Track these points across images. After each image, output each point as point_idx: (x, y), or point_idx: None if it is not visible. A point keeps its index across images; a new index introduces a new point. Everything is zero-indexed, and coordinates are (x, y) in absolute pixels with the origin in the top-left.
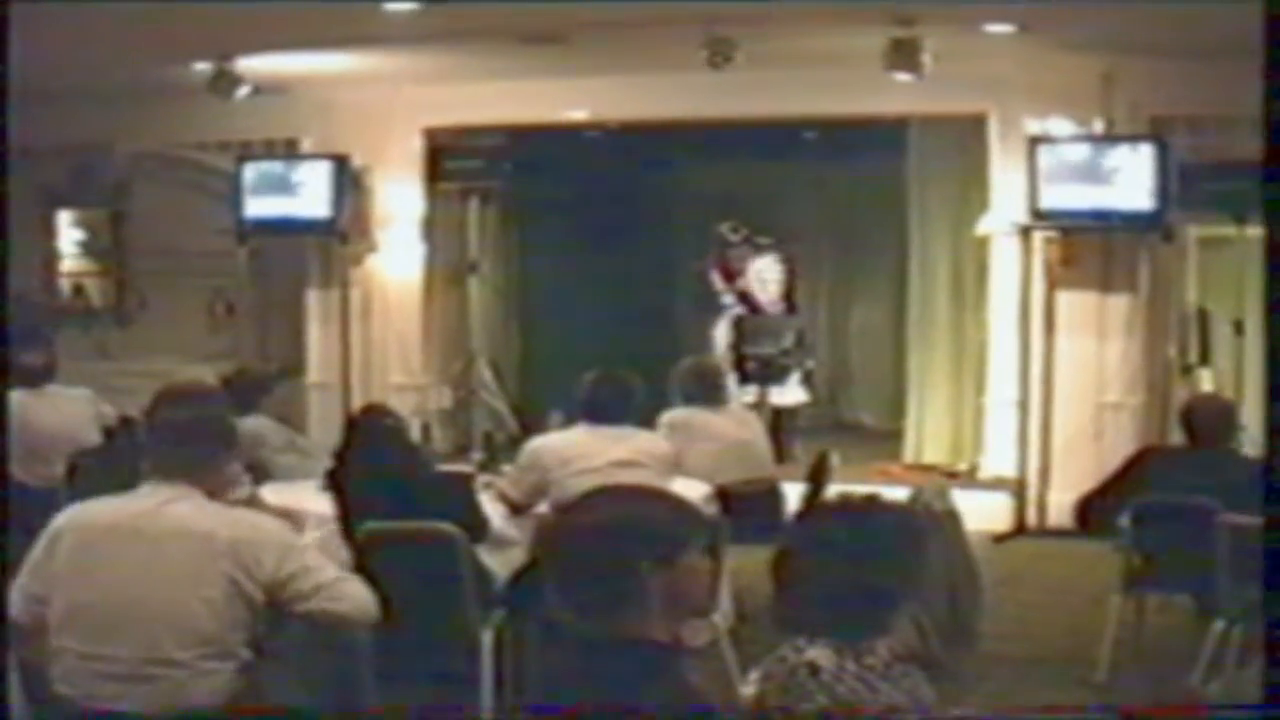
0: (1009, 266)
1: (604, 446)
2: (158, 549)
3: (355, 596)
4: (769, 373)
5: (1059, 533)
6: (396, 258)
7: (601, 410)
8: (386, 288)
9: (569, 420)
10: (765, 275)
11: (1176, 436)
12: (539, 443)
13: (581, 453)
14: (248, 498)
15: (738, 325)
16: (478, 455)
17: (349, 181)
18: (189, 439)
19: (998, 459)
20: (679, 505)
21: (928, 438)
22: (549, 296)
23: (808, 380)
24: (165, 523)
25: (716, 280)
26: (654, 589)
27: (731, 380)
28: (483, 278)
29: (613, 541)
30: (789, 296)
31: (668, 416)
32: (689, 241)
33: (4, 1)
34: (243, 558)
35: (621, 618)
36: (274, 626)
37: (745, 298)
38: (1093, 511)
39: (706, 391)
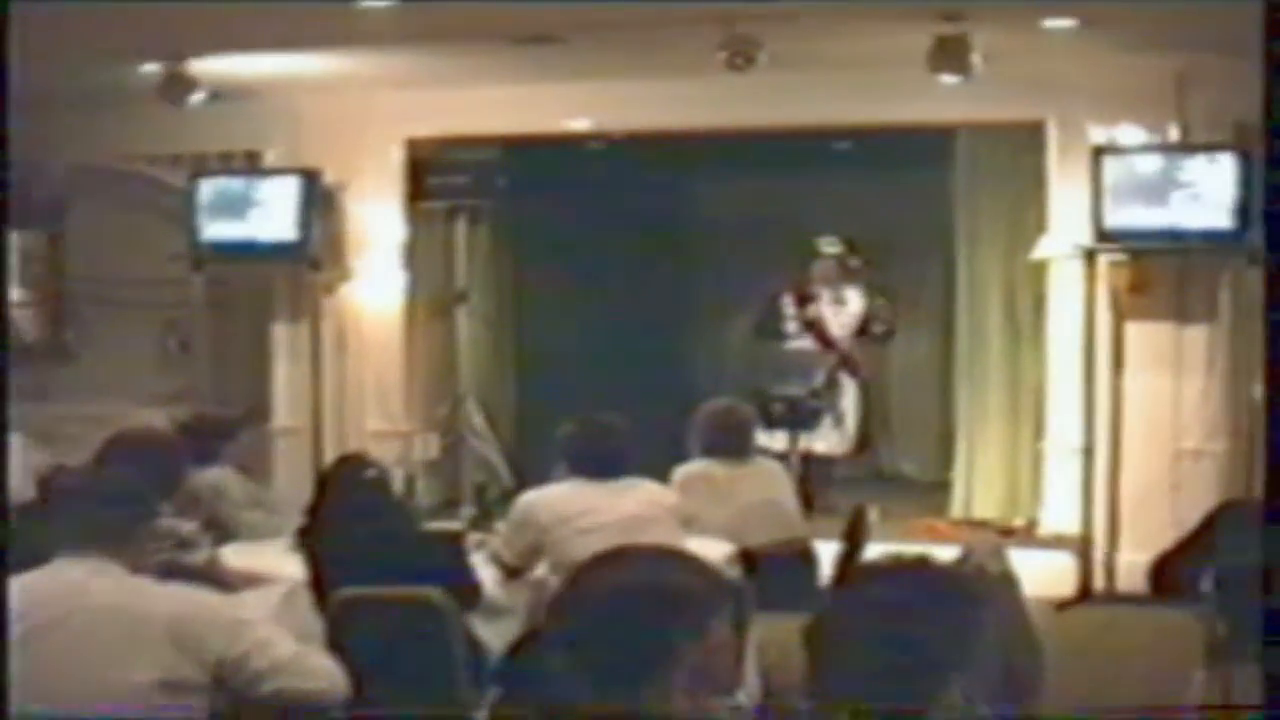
0: (1070, 294)
1: (608, 501)
2: (85, 635)
3: (322, 672)
4: (798, 416)
5: (1131, 599)
6: (374, 286)
7: (594, 462)
8: (363, 320)
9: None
10: (848, 303)
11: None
12: (533, 497)
13: (583, 508)
14: (206, 561)
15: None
16: (468, 511)
17: (319, 200)
18: (100, 503)
19: (1059, 514)
20: (706, 568)
21: (979, 489)
22: (548, 330)
23: (841, 425)
24: (90, 602)
25: (788, 304)
26: (683, 662)
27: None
28: (472, 309)
29: (642, 606)
30: (864, 333)
31: (684, 471)
32: (704, 265)
33: (4, 1)
34: (184, 639)
35: (646, 695)
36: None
37: (813, 327)
38: (1170, 574)
39: (730, 442)
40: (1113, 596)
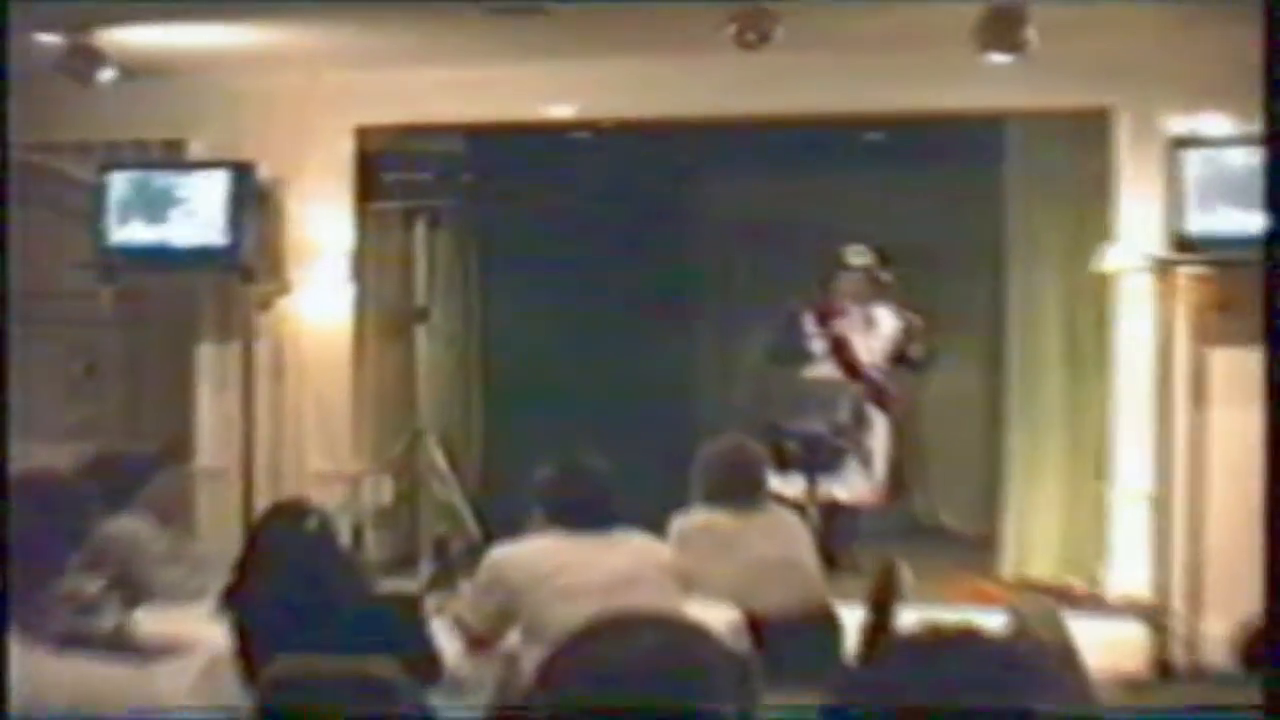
0: (1142, 314)
1: (592, 557)
2: None
3: None
4: (818, 457)
5: (1218, 677)
6: (318, 301)
7: (576, 512)
8: (304, 341)
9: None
10: (878, 324)
11: None
12: (504, 553)
13: (562, 566)
14: (114, 628)
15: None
16: (427, 568)
17: (253, 199)
18: None
19: (1128, 574)
20: (710, 638)
21: (1033, 544)
22: (523, 354)
23: (869, 467)
24: None
25: (808, 324)
26: None
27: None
28: (433, 328)
29: (634, 687)
30: (898, 359)
31: (682, 522)
32: (709, 278)
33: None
34: None
35: None
36: None
37: (838, 352)
38: (1265, 646)
39: (737, 488)
40: (1196, 673)
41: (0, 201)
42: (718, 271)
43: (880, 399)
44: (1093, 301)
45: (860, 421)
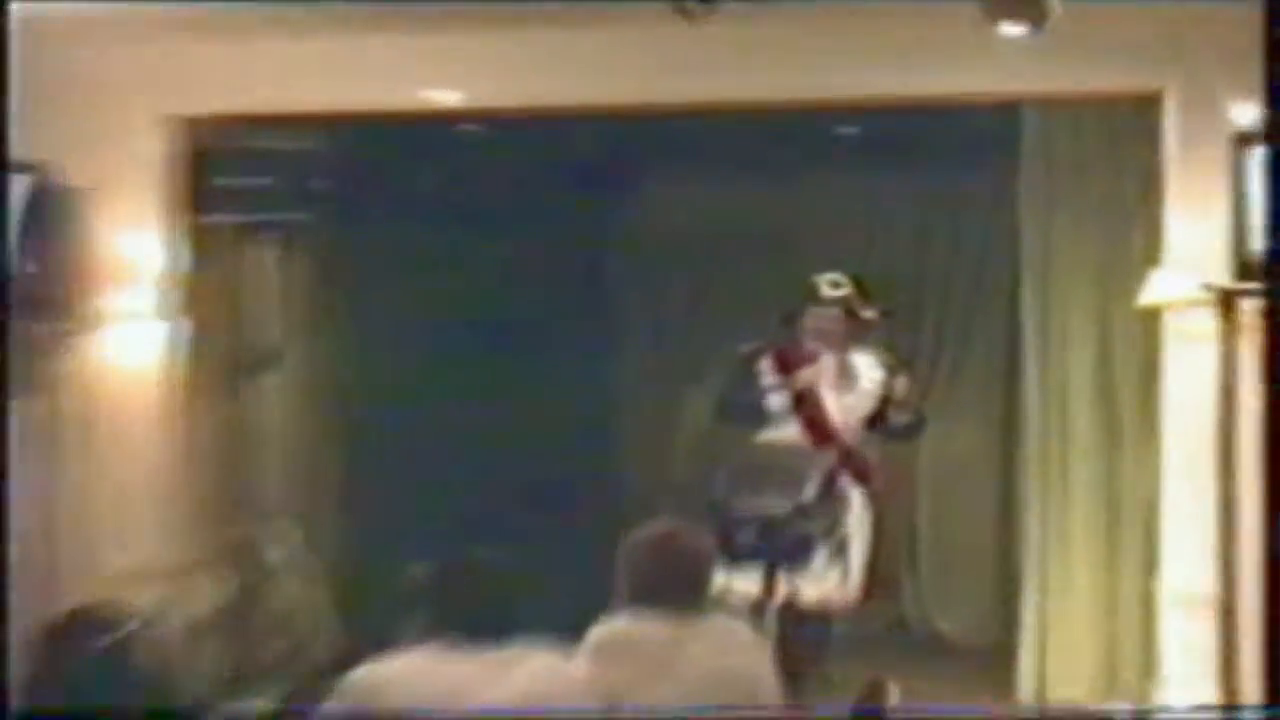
0: (1198, 358)
1: (487, 678)
2: None
3: None
4: (777, 546)
5: None
6: (131, 342)
7: (465, 620)
8: (114, 393)
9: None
10: (857, 375)
11: None
12: (372, 674)
13: (449, 690)
14: None
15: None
16: (274, 690)
17: (46, 212)
18: None
19: (1184, 694)
20: None
21: (1058, 656)
22: (399, 406)
23: (843, 558)
24: None
25: (767, 372)
26: None
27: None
28: (285, 373)
29: None
30: (880, 420)
31: (602, 633)
32: (640, 311)
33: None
34: None
35: None
36: None
37: (808, 406)
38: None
39: (672, 586)
40: None
41: (0, 205)
42: (649, 303)
43: (858, 470)
44: (1134, 343)
45: (832, 499)
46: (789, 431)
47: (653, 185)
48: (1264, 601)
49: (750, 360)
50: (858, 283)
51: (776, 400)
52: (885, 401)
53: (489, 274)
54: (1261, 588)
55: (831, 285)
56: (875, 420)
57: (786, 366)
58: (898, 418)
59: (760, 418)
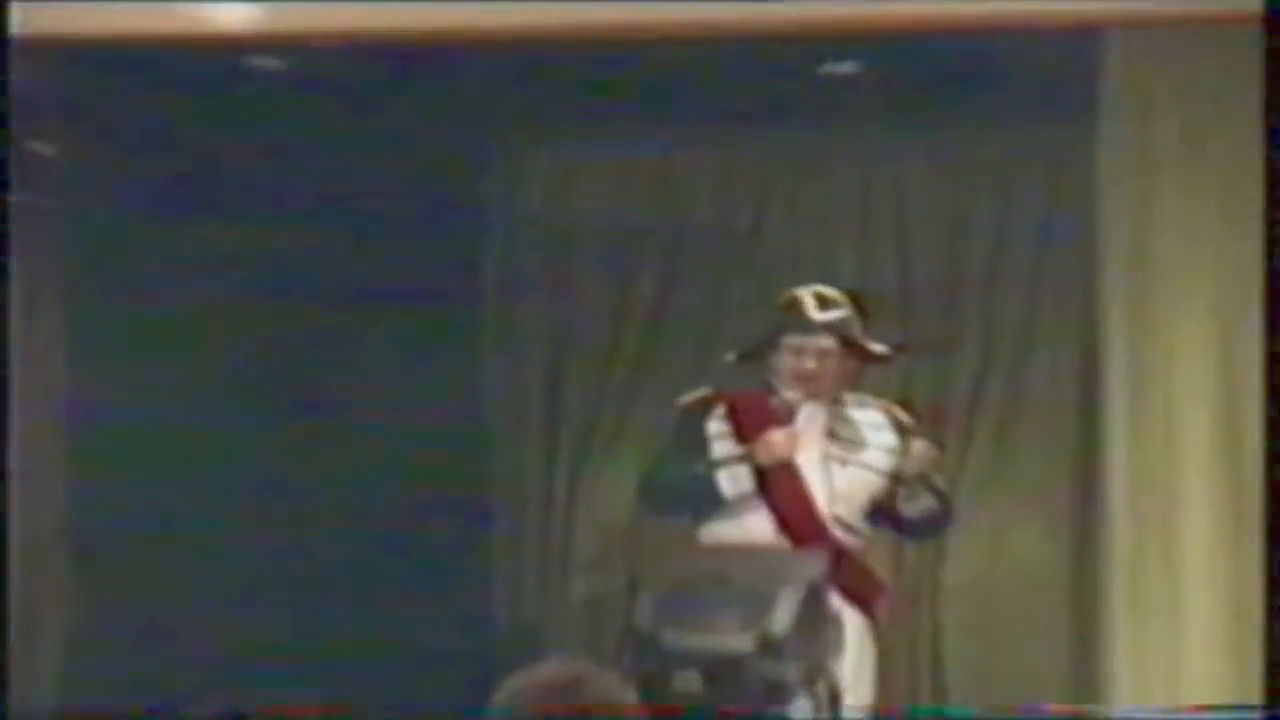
0: None
1: None
2: None
3: None
4: (735, 698)
5: None
6: None
7: None
8: None
9: None
10: (857, 437)
11: None
12: None
13: None
14: None
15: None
16: None
17: None
18: None
19: None
20: None
21: None
22: (150, 473)
23: (833, 710)
24: None
25: (718, 431)
26: None
27: None
28: None
29: None
30: (887, 510)
31: None
32: (517, 335)
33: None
34: None
35: None
36: None
37: (781, 486)
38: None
39: None
40: None
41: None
42: (540, 324)
43: (856, 584)
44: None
45: (816, 629)
46: (751, 525)
47: (545, 149)
48: (1264, 601)
49: (693, 416)
50: (857, 299)
51: (733, 477)
52: (897, 479)
53: (295, 267)
54: (1262, 588)
55: (819, 302)
56: (882, 508)
57: (749, 426)
58: (915, 503)
59: (707, 504)
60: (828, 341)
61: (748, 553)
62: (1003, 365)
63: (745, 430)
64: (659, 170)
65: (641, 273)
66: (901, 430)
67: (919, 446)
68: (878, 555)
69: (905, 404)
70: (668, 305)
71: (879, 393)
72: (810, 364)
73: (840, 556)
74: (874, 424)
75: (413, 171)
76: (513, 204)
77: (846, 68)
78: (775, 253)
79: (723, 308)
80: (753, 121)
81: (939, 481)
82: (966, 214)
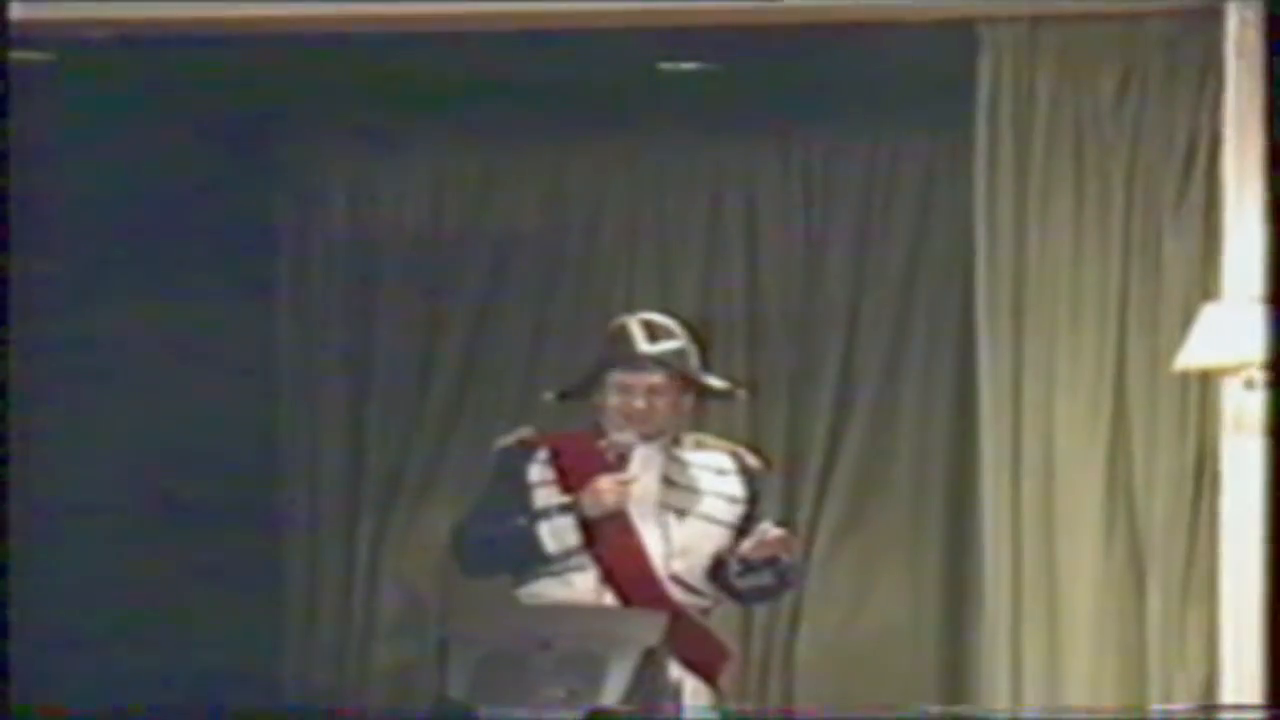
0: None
1: None
2: None
3: None
4: None
5: None
6: None
7: None
8: None
9: None
10: (697, 486)
11: None
12: None
13: None
14: None
15: None
16: None
17: None
18: None
19: None
20: None
21: None
22: None
23: None
24: None
25: (540, 476)
26: None
27: None
28: None
29: None
30: (747, 571)
31: None
32: (318, 359)
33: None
34: None
35: None
36: None
37: (605, 538)
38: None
39: None
40: None
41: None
42: (331, 351)
43: (697, 652)
44: (1177, 433)
45: (651, 701)
46: (579, 584)
47: (346, 155)
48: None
49: (512, 460)
50: (693, 328)
51: (557, 531)
52: (743, 532)
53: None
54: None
55: (648, 332)
56: (727, 568)
57: (575, 472)
58: (747, 579)
59: (529, 560)
60: (658, 377)
61: (574, 614)
62: (866, 401)
63: (571, 477)
64: (477, 180)
65: (455, 296)
66: (749, 476)
67: (771, 533)
68: (723, 616)
69: (753, 447)
70: (484, 335)
71: (727, 434)
72: (639, 402)
73: (679, 619)
74: (717, 468)
75: (194, 179)
76: (309, 219)
77: (684, 66)
78: (604, 272)
79: (547, 338)
80: (579, 120)
81: (786, 562)
82: (823, 234)
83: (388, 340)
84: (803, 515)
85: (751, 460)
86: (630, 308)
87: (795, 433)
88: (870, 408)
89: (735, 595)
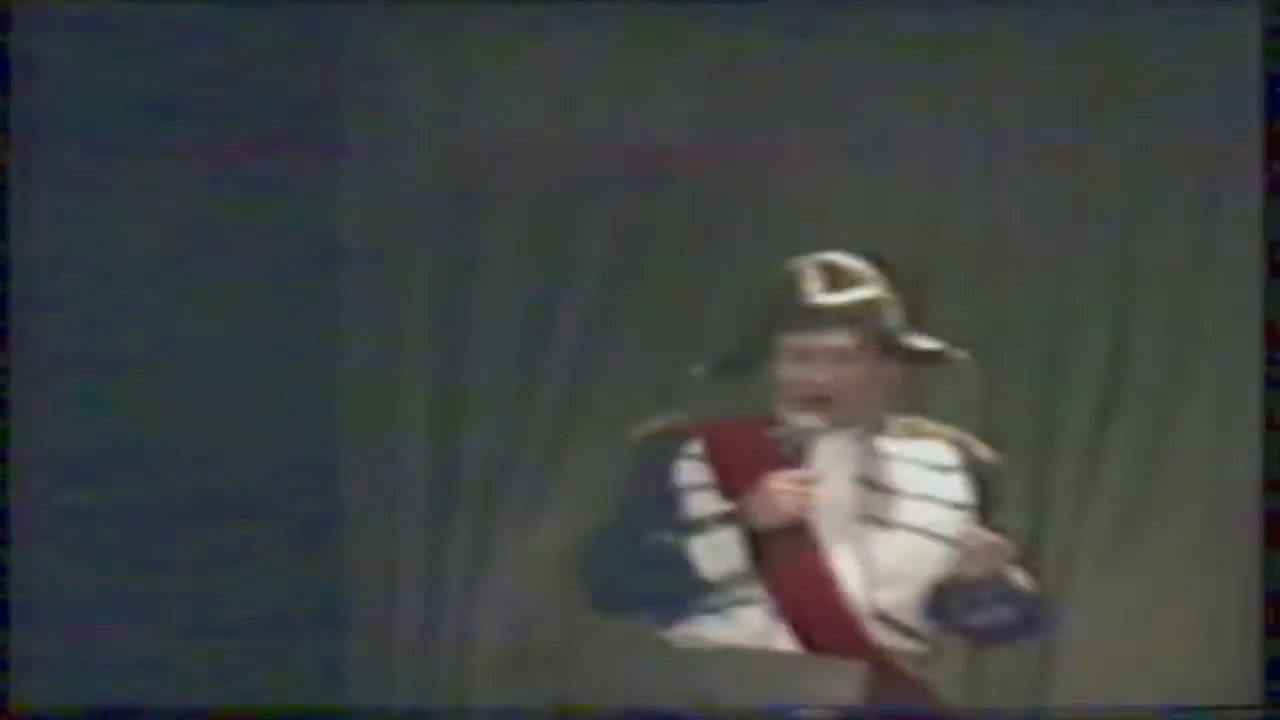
0: None
1: None
2: None
3: None
4: None
5: None
6: None
7: None
8: None
9: None
10: (910, 491)
11: None
12: None
13: None
14: None
15: None
16: None
17: None
18: None
19: None
20: None
21: None
22: None
23: None
24: None
25: (687, 468)
26: None
27: None
28: None
29: None
30: (962, 599)
31: None
32: (395, 332)
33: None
34: None
35: None
36: None
37: (783, 559)
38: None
39: None
40: None
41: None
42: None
43: (910, 715)
44: None
45: None
46: (746, 621)
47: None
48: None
49: (655, 456)
50: (898, 276)
51: (716, 549)
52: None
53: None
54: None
55: (830, 279)
56: (949, 596)
57: (739, 471)
58: (978, 613)
59: (678, 588)
60: (844, 338)
61: (742, 663)
62: (1148, 373)
63: (734, 478)
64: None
65: (573, 237)
66: (979, 474)
67: (977, 540)
68: (949, 666)
69: (987, 434)
70: (619, 287)
71: (954, 418)
72: (819, 375)
73: (885, 670)
74: (936, 464)
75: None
76: (381, 130)
77: None
78: (791, 204)
79: (704, 292)
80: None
81: (1025, 592)
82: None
83: (488, 296)
84: (1056, 531)
85: (982, 451)
86: (825, 248)
87: (1047, 417)
88: (1152, 385)
89: (969, 635)
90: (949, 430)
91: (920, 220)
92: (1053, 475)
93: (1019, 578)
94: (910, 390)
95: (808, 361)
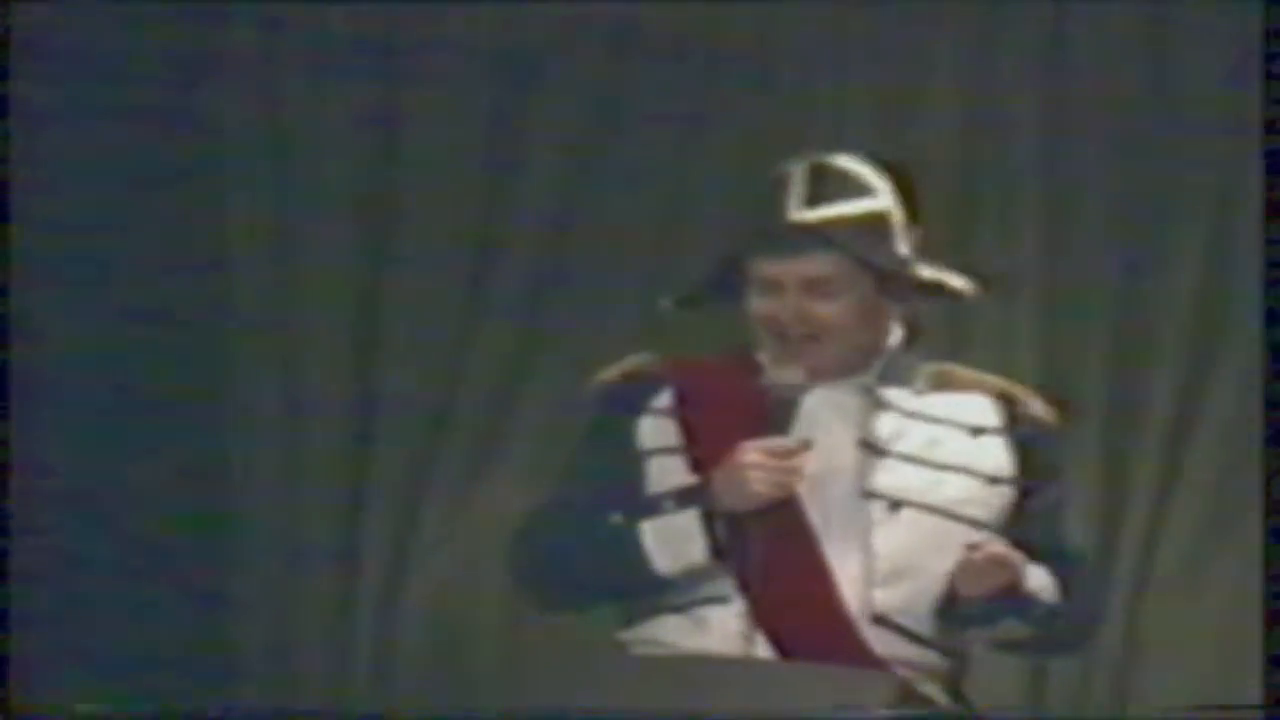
0: None
1: None
2: None
3: None
4: None
5: None
6: None
7: None
8: None
9: None
10: (938, 456)
11: None
12: None
13: None
14: None
15: None
16: None
17: None
18: None
19: None
20: None
21: None
22: None
23: None
24: None
25: (650, 424)
26: None
27: None
28: None
29: None
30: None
31: None
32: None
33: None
34: None
35: None
36: None
37: (763, 536)
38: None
39: None
40: None
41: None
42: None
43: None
44: None
45: None
46: (717, 623)
47: None
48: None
49: (614, 409)
50: (903, 178)
51: (670, 533)
52: (1017, 515)
53: None
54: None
55: (814, 188)
56: (958, 602)
57: (715, 429)
58: (1001, 608)
59: (629, 583)
60: (822, 263)
61: (714, 674)
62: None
63: (706, 440)
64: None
65: (522, 131)
66: (1027, 436)
67: (984, 551)
68: (984, 677)
69: (1044, 389)
70: (570, 202)
71: (980, 362)
72: (785, 311)
73: (877, 663)
74: (968, 424)
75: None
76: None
77: None
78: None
79: (686, 206)
80: None
81: (1040, 601)
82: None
83: (417, 211)
84: (1122, 526)
85: (1036, 407)
86: (789, 147)
87: (1116, 374)
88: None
89: (991, 645)
90: (992, 380)
91: (965, 126)
92: (1128, 449)
93: (1042, 582)
94: (943, 334)
95: (778, 293)
